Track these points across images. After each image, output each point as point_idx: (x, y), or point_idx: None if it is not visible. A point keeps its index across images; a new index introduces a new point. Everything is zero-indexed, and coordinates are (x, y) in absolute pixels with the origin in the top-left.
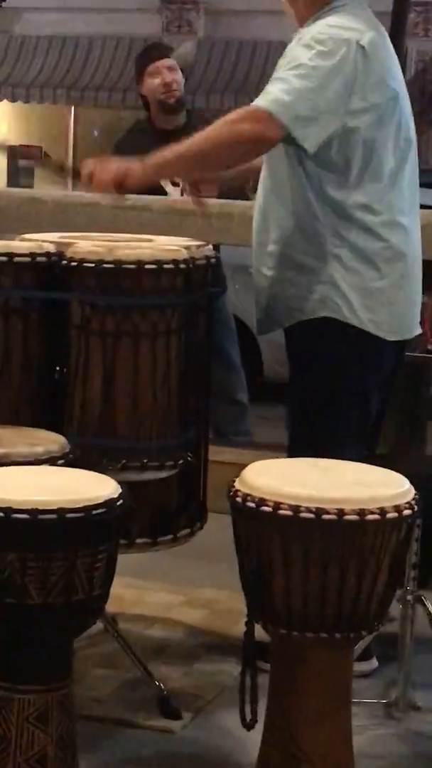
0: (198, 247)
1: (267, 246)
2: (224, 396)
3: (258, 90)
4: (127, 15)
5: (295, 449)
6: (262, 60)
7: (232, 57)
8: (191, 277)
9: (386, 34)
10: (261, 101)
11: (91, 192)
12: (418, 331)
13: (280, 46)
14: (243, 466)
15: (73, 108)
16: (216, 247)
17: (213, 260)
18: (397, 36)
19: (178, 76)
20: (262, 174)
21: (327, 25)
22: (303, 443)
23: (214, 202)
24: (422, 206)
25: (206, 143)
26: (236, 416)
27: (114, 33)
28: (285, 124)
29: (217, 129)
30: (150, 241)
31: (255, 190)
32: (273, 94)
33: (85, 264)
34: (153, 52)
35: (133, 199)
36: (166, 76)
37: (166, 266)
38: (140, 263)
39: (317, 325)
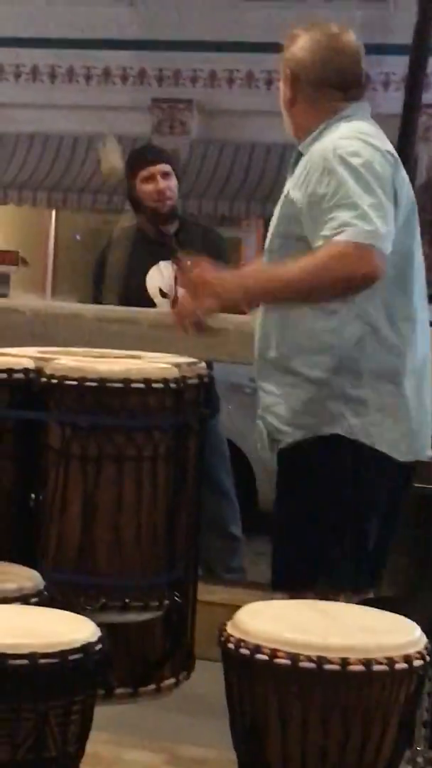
0: (190, 364)
1: (269, 362)
2: (216, 528)
3: (254, 196)
4: (115, 113)
5: (281, 578)
6: (259, 163)
7: (227, 160)
8: (182, 397)
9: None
10: (350, 234)
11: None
12: (430, 453)
13: (279, 149)
14: (236, 607)
15: (54, 211)
16: (209, 365)
17: (206, 379)
18: (406, 140)
19: (173, 182)
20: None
21: (350, 135)
22: (291, 569)
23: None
24: None
25: (307, 280)
26: (229, 551)
27: (101, 132)
28: (382, 250)
29: (320, 270)
30: (137, 357)
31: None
32: (357, 225)
33: (66, 381)
34: (146, 155)
35: (118, 312)
36: (160, 183)
37: (155, 385)
38: (127, 381)
39: (321, 441)
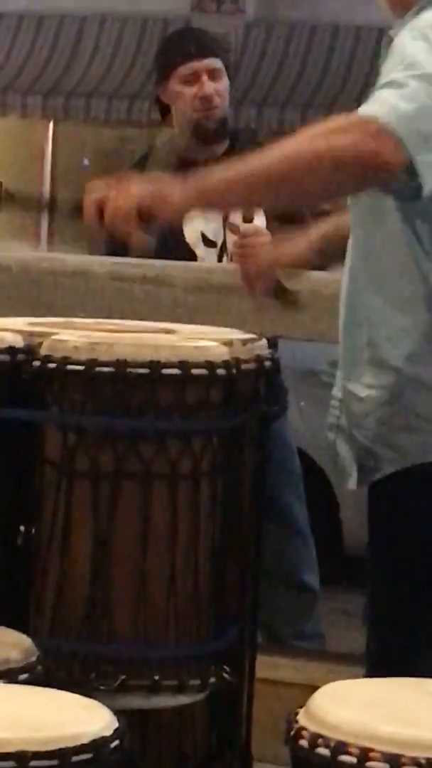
0: (245, 342)
1: (362, 351)
2: (283, 577)
3: (338, 100)
4: None
5: (377, 649)
6: (345, 54)
7: (298, 49)
8: (234, 390)
9: None
10: (372, 108)
11: (97, 236)
12: None
13: (375, 34)
14: (312, 688)
15: (51, 124)
16: (273, 343)
17: (268, 363)
18: None
19: (223, 85)
20: (351, 240)
21: None
22: (391, 638)
23: None
24: None
25: (285, 162)
26: (301, 609)
27: (117, 10)
28: (407, 144)
29: (302, 143)
30: (170, 332)
31: None
32: (389, 101)
33: (68, 366)
34: (188, 45)
35: (143, 266)
36: (206, 85)
37: (195, 371)
38: (155, 366)
39: (424, 473)
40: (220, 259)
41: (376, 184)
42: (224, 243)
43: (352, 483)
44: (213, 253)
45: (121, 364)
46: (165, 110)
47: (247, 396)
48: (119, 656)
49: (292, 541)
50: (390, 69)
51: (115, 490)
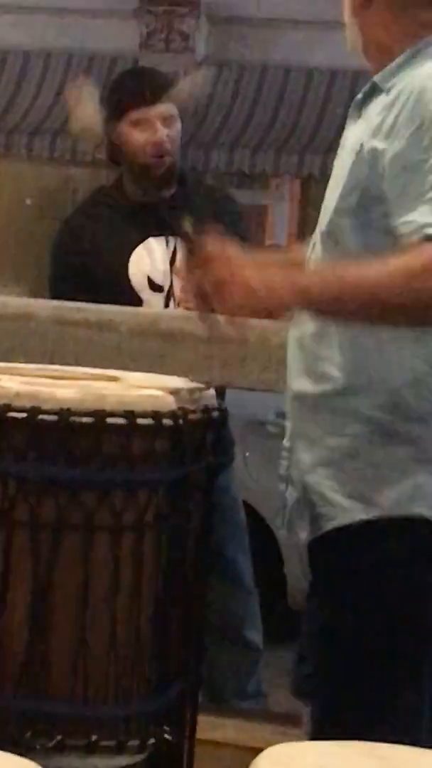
0: (192, 391)
1: (325, 390)
2: (226, 633)
3: (287, 144)
4: (86, 20)
5: (323, 713)
6: (296, 96)
7: (248, 90)
8: (181, 440)
9: None
10: None
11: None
12: None
13: (326, 76)
14: (255, 750)
15: None
16: (220, 393)
17: (215, 413)
18: None
19: (175, 130)
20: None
21: None
22: (337, 704)
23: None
24: None
25: (412, 293)
26: (244, 667)
27: (63, 46)
28: None
29: (422, 275)
30: (115, 379)
31: None
32: None
33: (9, 413)
34: (143, 88)
35: (87, 311)
36: (160, 132)
37: (141, 421)
38: (100, 415)
39: (394, 526)
40: (166, 305)
41: None
42: (171, 288)
43: (302, 536)
44: (159, 297)
45: (64, 413)
46: (114, 150)
47: (193, 446)
48: (56, 713)
49: (236, 595)
50: (425, 158)
51: (56, 541)
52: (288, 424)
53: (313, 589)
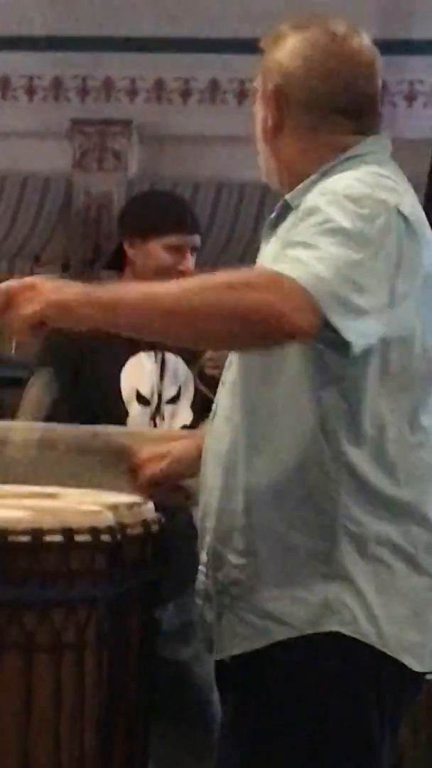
0: (131, 506)
1: (234, 516)
2: (183, 753)
3: (221, 258)
4: (19, 140)
5: None
6: (228, 211)
7: None
8: (120, 556)
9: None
10: (286, 267)
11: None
12: None
13: (258, 191)
14: None
15: None
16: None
17: (155, 528)
18: None
19: (193, 261)
20: (228, 394)
21: (356, 179)
22: None
23: (155, 433)
24: None
25: (187, 304)
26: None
27: None
28: (322, 308)
29: (214, 288)
30: (54, 496)
31: None
32: (303, 261)
33: None
34: (185, 216)
35: (19, 427)
36: (188, 261)
37: (79, 538)
38: (37, 533)
39: (310, 644)
40: (153, 419)
41: (282, 343)
42: (159, 403)
43: (216, 653)
44: (146, 412)
45: (1, 532)
46: (120, 259)
47: (133, 562)
48: None
49: (193, 714)
50: (303, 230)
51: None
52: (207, 537)
53: (232, 721)
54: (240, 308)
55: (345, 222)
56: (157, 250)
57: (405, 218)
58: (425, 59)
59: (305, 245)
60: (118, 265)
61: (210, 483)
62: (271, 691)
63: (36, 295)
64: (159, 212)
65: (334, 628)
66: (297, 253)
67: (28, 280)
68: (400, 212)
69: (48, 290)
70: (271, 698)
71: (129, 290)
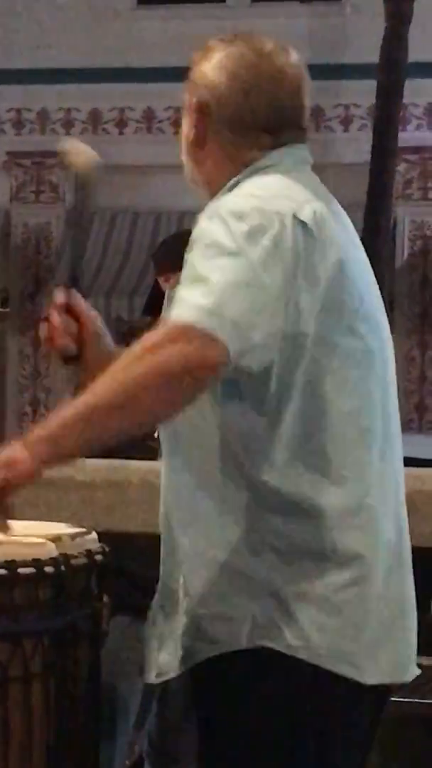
0: (74, 537)
1: (165, 539)
2: None
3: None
4: None
5: None
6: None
7: (120, 236)
8: (64, 586)
9: (340, 210)
10: (180, 312)
11: None
12: (415, 671)
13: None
14: None
15: None
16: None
17: (99, 557)
18: (378, 199)
19: None
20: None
21: (247, 194)
22: None
23: (99, 464)
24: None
25: (119, 391)
26: None
27: None
28: (221, 338)
29: (129, 367)
30: None
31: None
32: (192, 302)
33: None
34: None
35: None
36: None
37: (22, 570)
38: None
39: (241, 661)
40: None
41: (207, 386)
42: None
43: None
44: None
45: None
46: (154, 303)
47: (77, 592)
48: None
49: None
50: (192, 257)
51: None
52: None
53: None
54: (163, 369)
55: (226, 241)
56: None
57: (303, 224)
58: (360, 83)
59: (193, 279)
60: (153, 309)
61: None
62: (209, 708)
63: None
64: (185, 243)
65: (262, 642)
66: (186, 294)
67: None
68: (296, 218)
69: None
70: (211, 716)
71: (71, 417)
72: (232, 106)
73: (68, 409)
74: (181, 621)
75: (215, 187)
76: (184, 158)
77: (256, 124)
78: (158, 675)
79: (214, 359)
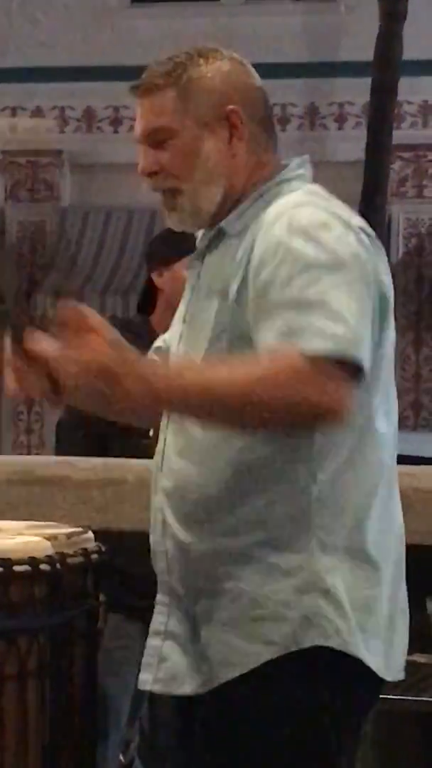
0: (70, 536)
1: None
2: None
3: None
4: None
5: None
6: None
7: (117, 234)
8: (60, 585)
9: None
10: (310, 344)
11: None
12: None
13: None
14: None
15: None
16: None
17: (95, 556)
18: (372, 198)
19: None
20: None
21: (309, 201)
22: None
23: (94, 462)
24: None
25: (245, 402)
26: None
27: None
28: (355, 361)
29: (265, 385)
30: None
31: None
32: (319, 328)
33: None
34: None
35: None
36: None
37: (18, 568)
38: None
39: (291, 662)
40: None
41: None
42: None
43: (187, 689)
44: None
45: None
46: (147, 300)
47: (73, 591)
48: None
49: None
50: (287, 280)
51: None
52: (165, 576)
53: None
54: (293, 404)
55: (323, 256)
56: (181, 269)
57: (363, 231)
58: (354, 81)
59: (309, 305)
60: (147, 306)
61: (171, 516)
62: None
63: (91, 353)
64: (175, 239)
65: (318, 641)
66: (310, 320)
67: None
68: (362, 229)
69: (103, 354)
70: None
71: (199, 380)
72: (260, 108)
73: (200, 378)
74: (214, 628)
75: (231, 196)
76: (210, 178)
77: (266, 129)
78: (205, 684)
79: (348, 404)
